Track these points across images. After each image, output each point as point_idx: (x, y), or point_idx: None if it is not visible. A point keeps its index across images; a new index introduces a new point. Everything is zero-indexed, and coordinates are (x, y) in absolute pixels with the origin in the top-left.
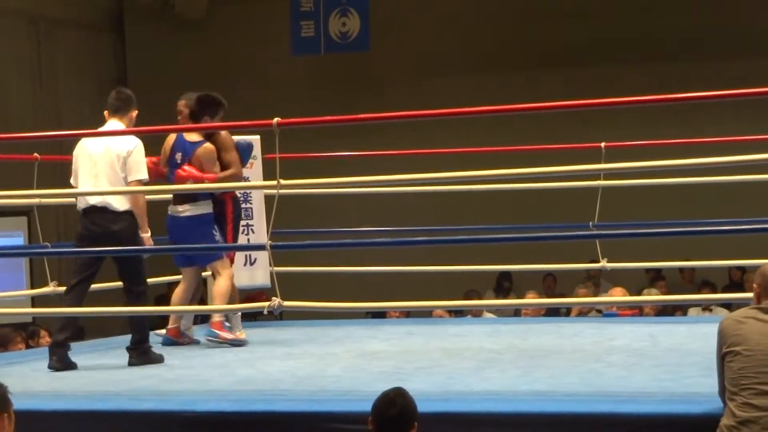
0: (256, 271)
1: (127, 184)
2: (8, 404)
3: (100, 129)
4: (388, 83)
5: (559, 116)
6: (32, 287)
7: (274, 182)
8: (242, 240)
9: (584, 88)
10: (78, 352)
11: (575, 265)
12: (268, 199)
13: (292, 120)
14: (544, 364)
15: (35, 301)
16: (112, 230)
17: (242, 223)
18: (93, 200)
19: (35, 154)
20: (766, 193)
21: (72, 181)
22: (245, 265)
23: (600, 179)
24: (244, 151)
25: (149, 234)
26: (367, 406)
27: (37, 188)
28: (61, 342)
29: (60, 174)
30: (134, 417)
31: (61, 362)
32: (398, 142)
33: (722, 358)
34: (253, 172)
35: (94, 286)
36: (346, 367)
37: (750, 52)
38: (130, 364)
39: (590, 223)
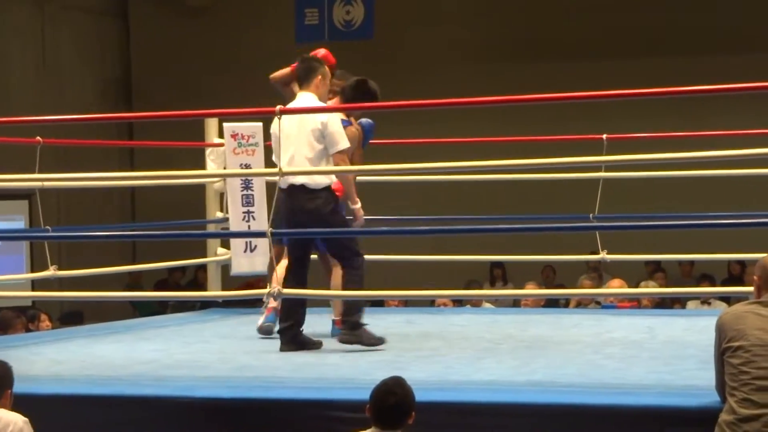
0: (256, 258)
1: (330, 157)
2: (11, 382)
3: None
4: (392, 72)
5: (562, 108)
6: (32, 271)
7: (276, 169)
8: (243, 227)
9: (589, 81)
10: (77, 336)
11: (575, 256)
12: (270, 186)
13: (295, 108)
14: (543, 355)
15: (35, 285)
16: (308, 209)
17: (243, 210)
18: (295, 180)
19: (38, 138)
20: (766, 187)
21: (275, 158)
22: (245, 251)
23: (601, 171)
24: (368, 132)
25: (359, 205)
26: (365, 394)
27: (39, 172)
28: (284, 330)
29: (62, 158)
30: (133, 402)
31: (292, 343)
32: (400, 131)
33: (722, 353)
34: (255, 159)
35: (96, 270)
36: (345, 354)
37: (753, 47)
38: (343, 340)
39: (591, 215)
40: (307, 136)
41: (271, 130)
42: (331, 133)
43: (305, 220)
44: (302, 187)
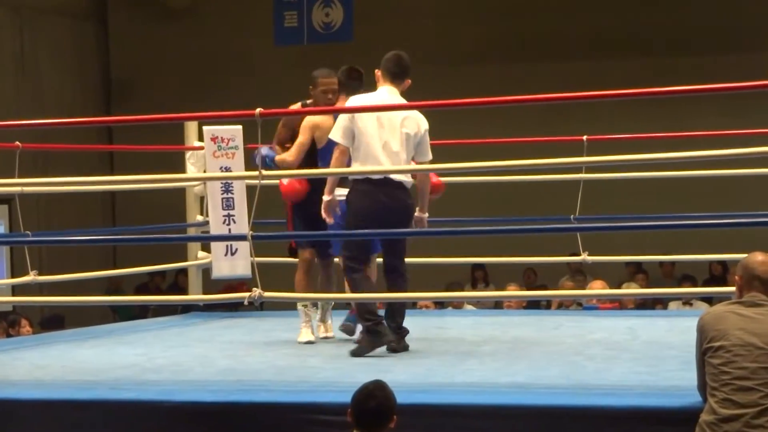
0: (237, 261)
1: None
2: None
3: (370, 95)
4: (371, 74)
5: (541, 109)
6: (13, 276)
7: (256, 173)
8: (223, 230)
9: (567, 82)
10: (58, 341)
11: (556, 258)
12: (250, 189)
13: (275, 110)
14: (525, 357)
15: (16, 290)
16: (407, 204)
17: (223, 213)
18: (392, 174)
19: (17, 143)
20: (747, 187)
21: (340, 138)
22: (226, 255)
23: (582, 172)
24: None
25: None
26: (347, 397)
27: (19, 177)
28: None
29: (42, 162)
30: (114, 407)
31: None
32: None
33: (703, 353)
34: (235, 162)
35: (77, 275)
36: (327, 358)
37: (735, 48)
38: (392, 348)
39: (572, 216)
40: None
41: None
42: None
43: (401, 218)
44: (401, 184)
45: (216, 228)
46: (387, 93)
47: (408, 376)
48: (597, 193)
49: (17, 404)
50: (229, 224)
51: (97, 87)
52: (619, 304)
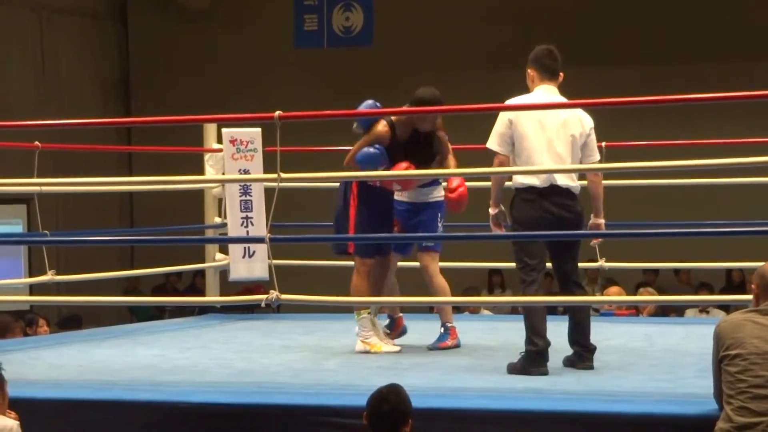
0: (255, 264)
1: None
2: (3, 381)
3: (529, 96)
4: (391, 78)
5: None
6: (30, 275)
7: (275, 175)
8: (241, 232)
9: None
10: (75, 341)
11: None
12: (268, 192)
13: (294, 113)
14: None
15: (33, 289)
16: (578, 211)
17: (241, 215)
18: (559, 180)
19: (36, 143)
20: (765, 195)
21: (497, 147)
22: (244, 257)
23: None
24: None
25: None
26: (363, 401)
27: (38, 176)
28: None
29: (61, 162)
30: (130, 407)
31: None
32: None
33: (719, 361)
34: (254, 164)
35: (94, 275)
36: (344, 361)
37: (754, 55)
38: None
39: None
40: (573, 138)
41: (519, 120)
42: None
43: (571, 228)
44: (567, 190)
45: (234, 230)
46: (544, 93)
47: (424, 381)
48: (614, 199)
49: (34, 403)
50: (247, 226)
51: (116, 88)
52: (636, 311)
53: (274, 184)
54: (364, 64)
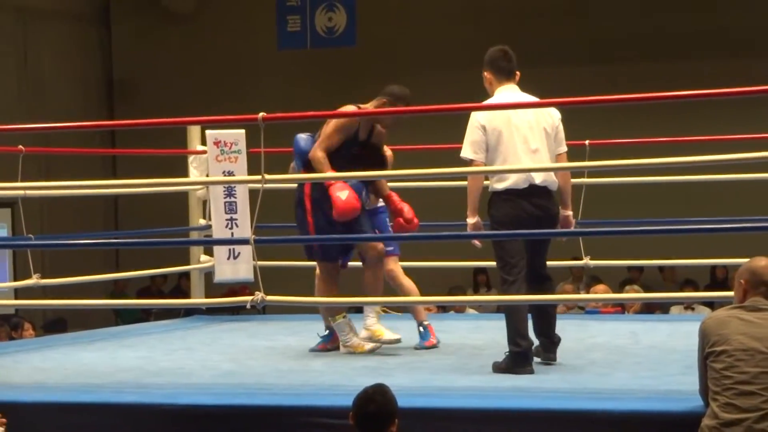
0: (240, 265)
1: (556, 157)
2: None
3: (495, 99)
4: (374, 79)
5: None
6: (15, 279)
7: (259, 177)
8: (226, 234)
9: (571, 86)
10: (60, 344)
11: (558, 262)
12: (253, 193)
13: (277, 115)
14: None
15: (18, 293)
16: (553, 212)
17: (226, 217)
18: (538, 179)
19: (20, 147)
20: (750, 192)
21: (473, 155)
22: (228, 258)
23: (584, 177)
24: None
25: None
26: (349, 401)
27: (22, 180)
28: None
29: (45, 166)
30: (116, 410)
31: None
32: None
33: (705, 358)
34: (238, 166)
35: (79, 278)
36: (329, 361)
37: (735, 52)
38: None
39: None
40: (546, 134)
41: (493, 125)
42: (561, 131)
43: (546, 225)
44: (546, 189)
45: (218, 232)
46: (510, 93)
47: (410, 380)
48: (600, 197)
49: (20, 407)
50: (231, 228)
51: (100, 91)
52: (621, 308)
53: (259, 185)
54: (348, 65)
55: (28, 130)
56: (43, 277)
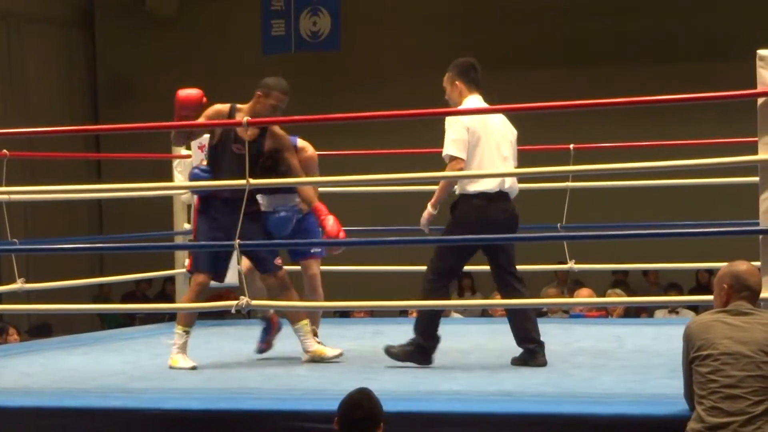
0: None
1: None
2: None
3: (465, 105)
4: (358, 83)
5: (528, 118)
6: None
7: (243, 181)
8: None
9: (556, 90)
10: (45, 349)
11: (543, 266)
12: None
13: (261, 119)
14: (511, 365)
15: (3, 298)
16: (517, 213)
17: None
18: (507, 185)
19: (4, 151)
20: (733, 195)
21: (458, 153)
22: None
23: (569, 181)
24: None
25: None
26: (334, 405)
27: (5, 185)
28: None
29: (29, 170)
30: (101, 414)
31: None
32: (367, 142)
33: (690, 362)
34: None
35: (64, 282)
36: (314, 365)
37: (719, 55)
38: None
39: (558, 224)
40: (513, 143)
41: (474, 127)
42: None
43: (514, 231)
44: (507, 195)
45: None
46: (480, 102)
47: (395, 384)
48: (584, 201)
49: (4, 412)
50: None
51: (84, 95)
52: (606, 312)
53: (243, 189)
54: (332, 69)
55: (12, 134)
56: (27, 282)
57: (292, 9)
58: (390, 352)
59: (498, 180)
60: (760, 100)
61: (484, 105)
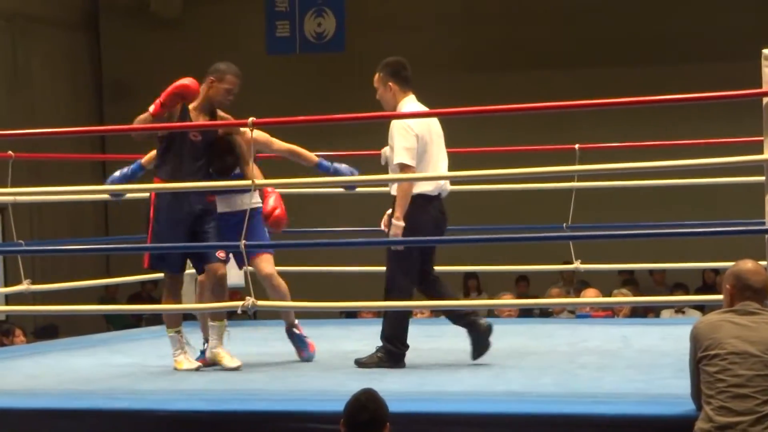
0: (231, 271)
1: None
2: None
3: (406, 107)
4: (363, 84)
5: (533, 118)
6: (6, 285)
7: (249, 182)
8: None
9: (561, 90)
10: (52, 350)
11: (549, 266)
12: None
13: (267, 119)
14: (518, 365)
15: (9, 299)
16: (447, 216)
17: None
18: (447, 186)
19: (9, 152)
20: (739, 195)
21: (411, 161)
22: None
23: (574, 181)
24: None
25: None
26: (340, 406)
27: (11, 186)
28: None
29: (35, 171)
30: (108, 415)
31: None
32: (372, 143)
33: (697, 361)
34: None
35: (70, 284)
36: (320, 366)
37: (727, 55)
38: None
39: (564, 224)
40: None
41: (422, 133)
42: None
43: (436, 231)
44: (440, 196)
45: None
46: (417, 104)
47: (401, 385)
48: (589, 201)
49: (11, 413)
50: None
51: (89, 96)
52: (612, 312)
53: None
54: (337, 70)
55: (18, 135)
56: (33, 283)
57: (296, 10)
58: (360, 362)
59: (440, 183)
60: (765, 100)
61: (420, 105)
